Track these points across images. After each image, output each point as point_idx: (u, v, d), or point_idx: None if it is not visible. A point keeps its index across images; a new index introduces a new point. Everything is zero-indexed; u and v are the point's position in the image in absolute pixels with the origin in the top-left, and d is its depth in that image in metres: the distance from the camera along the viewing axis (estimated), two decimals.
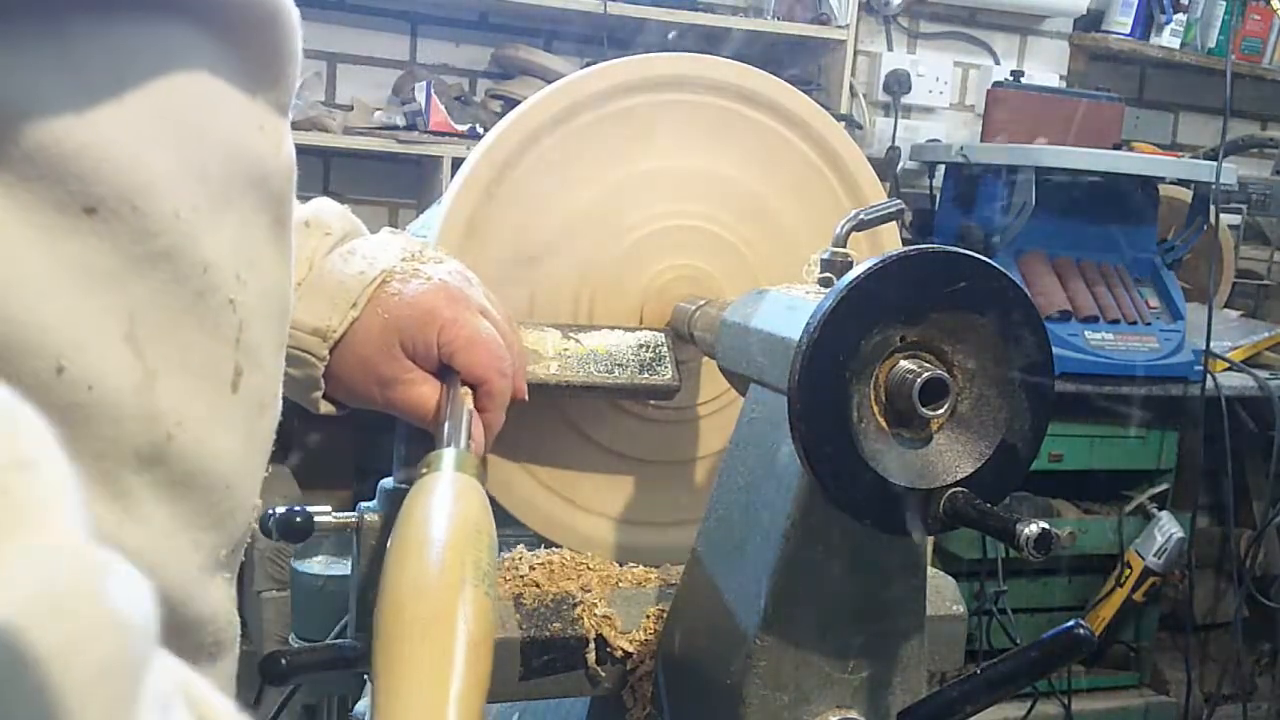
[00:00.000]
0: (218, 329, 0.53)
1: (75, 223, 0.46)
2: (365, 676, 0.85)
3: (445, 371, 0.79)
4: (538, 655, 0.79)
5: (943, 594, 0.89)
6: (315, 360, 0.78)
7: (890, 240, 0.98)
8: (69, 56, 0.46)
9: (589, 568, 0.88)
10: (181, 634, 0.54)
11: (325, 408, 0.81)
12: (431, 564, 0.59)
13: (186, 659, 0.55)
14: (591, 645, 0.81)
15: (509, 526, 0.96)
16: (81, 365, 0.46)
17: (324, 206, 0.84)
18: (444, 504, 0.63)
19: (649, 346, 0.90)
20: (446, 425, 0.75)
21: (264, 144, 0.56)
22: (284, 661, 0.74)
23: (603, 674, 0.81)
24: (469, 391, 0.78)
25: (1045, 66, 3.40)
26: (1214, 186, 2.76)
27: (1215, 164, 2.74)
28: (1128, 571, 2.81)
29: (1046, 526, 0.61)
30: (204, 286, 0.52)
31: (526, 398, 0.84)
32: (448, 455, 0.68)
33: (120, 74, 0.48)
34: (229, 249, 0.53)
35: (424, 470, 0.66)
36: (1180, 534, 2.78)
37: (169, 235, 0.49)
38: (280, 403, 0.62)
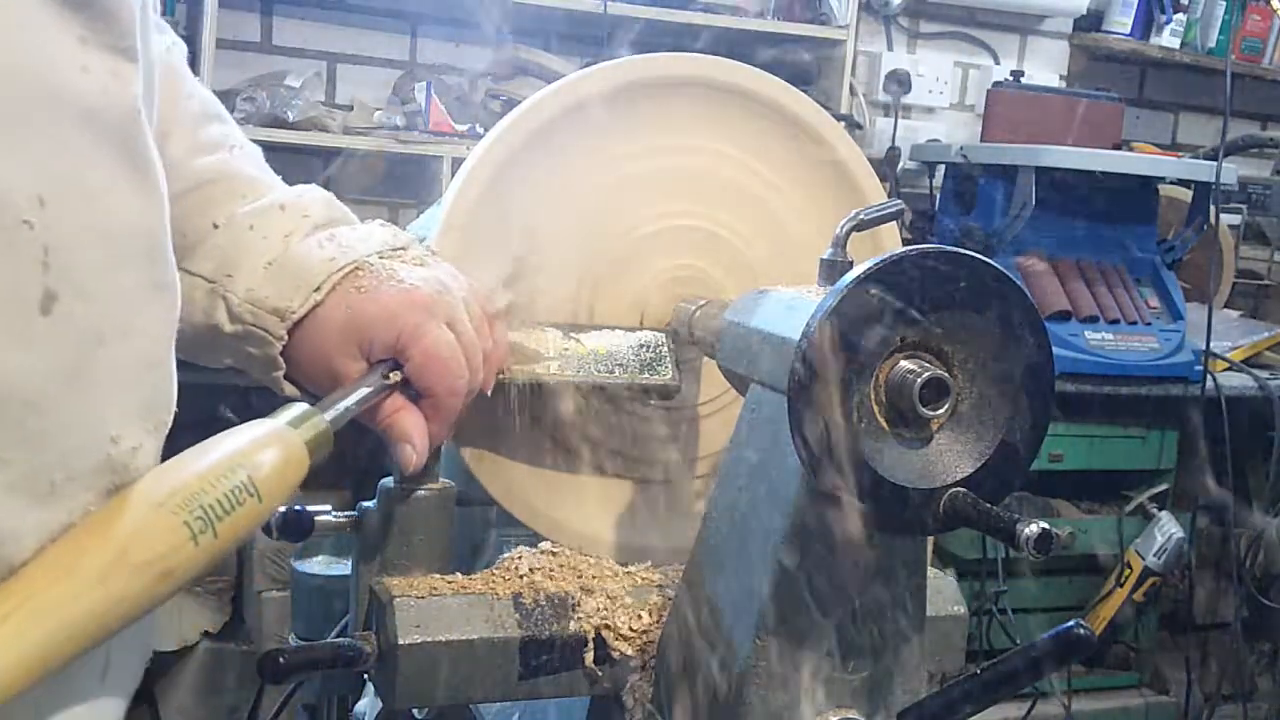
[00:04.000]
0: (10, 247, 0.55)
1: None
2: (365, 676, 0.85)
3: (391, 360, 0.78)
4: (537, 655, 0.79)
5: (943, 594, 0.89)
6: (273, 339, 0.78)
7: (890, 240, 0.98)
8: None
9: (589, 568, 0.88)
10: None
11: (288, 389, 0.80)
12: (156, 486, 0.61)
13: None
14: (590, 645, 0.81)
15: (509, 526, 0.96)
16: None
17: (307, 192, 0.84)
18: (229, 443, 0.64)
19: (649, 346, 0.90)
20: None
21: (89, 83, 0.58)
22: (282, 660, 0.74)
23: (601, 674, 0.81)
24: (398, 379, 0.77)
25: (1045, 66, 3.40)
26: (1214, 186, 2.76)
27: (1215, 164, 2.74)
28: (1128, 571, 2.81)
29: (1046, 526, 0.61)
30: None
31: (489, 393, 0.83)
32: (293, 410, 0.69)
33: None
34: (23, 171, 0.55)
35: (272, 416, 0.68)
36: (1180, 534, 2.77)
37: None
38: (150, 341, 0.63)
